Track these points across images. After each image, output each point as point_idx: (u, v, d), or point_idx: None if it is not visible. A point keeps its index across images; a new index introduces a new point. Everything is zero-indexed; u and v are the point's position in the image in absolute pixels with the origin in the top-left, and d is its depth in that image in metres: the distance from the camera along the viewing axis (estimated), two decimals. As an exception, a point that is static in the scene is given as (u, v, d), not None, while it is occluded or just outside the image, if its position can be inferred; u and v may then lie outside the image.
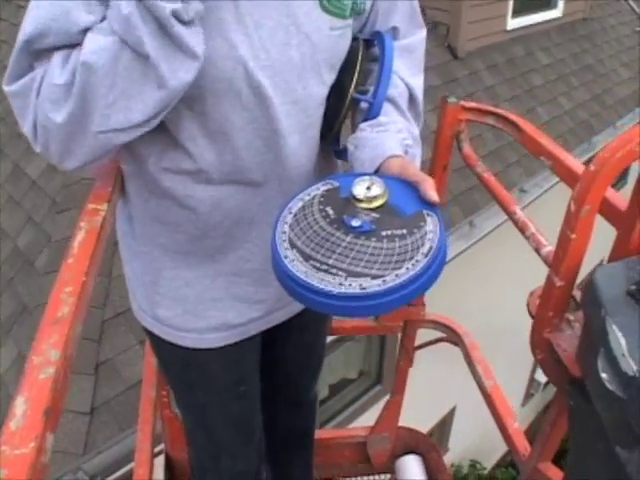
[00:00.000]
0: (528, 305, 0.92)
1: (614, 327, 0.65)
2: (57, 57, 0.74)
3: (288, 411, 1.48)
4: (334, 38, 0.91)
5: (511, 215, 1.07)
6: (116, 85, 0.72)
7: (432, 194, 0.78)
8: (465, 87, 4.50)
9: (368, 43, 0.98)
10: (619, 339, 0.64)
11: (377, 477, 1.99)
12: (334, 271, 0.70)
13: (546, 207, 3.74)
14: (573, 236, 0.75)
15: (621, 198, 0.79)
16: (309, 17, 0.87)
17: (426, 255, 0.71)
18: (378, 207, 0.77)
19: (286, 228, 0.77)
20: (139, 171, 0.96)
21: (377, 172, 0.86)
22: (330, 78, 0.93)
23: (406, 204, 0.78)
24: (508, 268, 5.04)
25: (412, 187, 0.80)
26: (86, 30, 0.73)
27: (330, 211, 0.78)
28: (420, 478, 1.86)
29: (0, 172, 3.14)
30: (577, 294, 0.84)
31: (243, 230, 0.99)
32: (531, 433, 1.34)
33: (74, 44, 0.74)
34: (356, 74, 0.94)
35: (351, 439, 1.95)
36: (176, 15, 0.69)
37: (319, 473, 1.89)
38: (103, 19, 0.73)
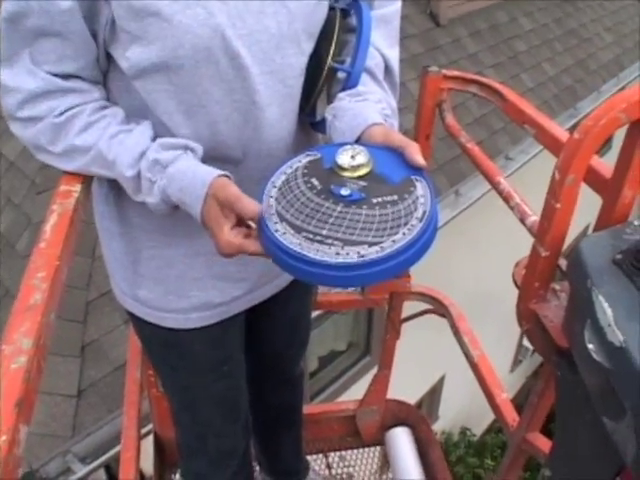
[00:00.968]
0: (514, 276, 0.91)
1: (600, 298, 0.64)
2: (78, 124, 0.87)
3: (275, 387, 1.48)
4: (311, 6, 0.89)
5: (495, 186, 1.05)
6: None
7: (418, 158, 0.77)
8: (448, 54, 4.45)
9: (344, 13, 0.96)
10: (605, 309, 0.63)
11: (367, 449, 2.00)
12: (329, 241, 0.70)
13: (533, 172, 3.73)
14: (558, 205, 0.74)
15: (606, 166, 0.78)
16: None
17: (420, 220, 0.71)
18: (364, 175, 0.76)
19: (272, 202, 0.76)
20: None
21: (358, 141, 0.84)
22: (309, 47, 0.91)
23: (392, 171, 0.77)
24: (495, 236, 5.06)
25: (397, 154, 0.79)
26: (70, 12, 0.79)
27: (315, 182, 0.77)
28: (410, 449, 1.87)
29: (-23, 153, 3.08)
30: (563, 263, 0.83)
31: None
32: (520, 399, 1.33)
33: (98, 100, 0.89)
34: (333, 43, 0.91)
35: (340, 413, 1.96)
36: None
37: (309, 448, 1.90)
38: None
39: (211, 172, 0.82)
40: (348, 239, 0.70)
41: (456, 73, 1.23)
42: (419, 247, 0.70)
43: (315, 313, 1.43)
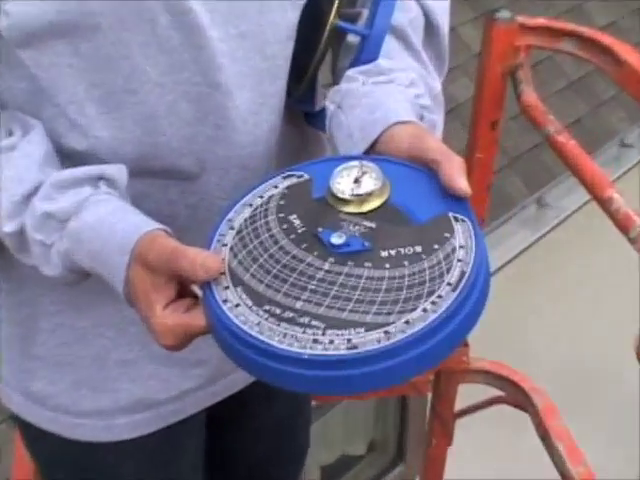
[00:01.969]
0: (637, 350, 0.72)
1: None
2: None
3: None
4: None
5: (605, 203, 0.80)
6: None
7: (461, 183, 0.54)
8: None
9: None
10: None
11: None
12: (305, 320, 0.51)
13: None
14: None
15: None
16: None
17: (455, 287, 0.51)
18: (373, 211, 0.56)
19: (225, 253, 0.57)
20: None
21: (372, 151, 0.61)
22: None
23: (419, 204, 0.56)
24: (601, 275, 2.85)
25: (429, 176, 0.58)
26: None
27: (296, 222, 0.57)
28: None
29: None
30: None
31: None
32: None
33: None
34: None
35: None
36: None
37: None
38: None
39: (137, 225, 0.60)
40: (335, 318, 0.51)
41: (540, 22, 0.95)
42: (449, 333, 0.50)
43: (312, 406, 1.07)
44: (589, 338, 3.44)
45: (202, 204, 0.70)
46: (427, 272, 0.52)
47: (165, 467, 0.88)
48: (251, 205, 0.58)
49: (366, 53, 0.68)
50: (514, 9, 1.03)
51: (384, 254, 0.54)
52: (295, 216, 0.57)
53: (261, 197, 0.59)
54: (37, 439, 0.86)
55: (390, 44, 0.68)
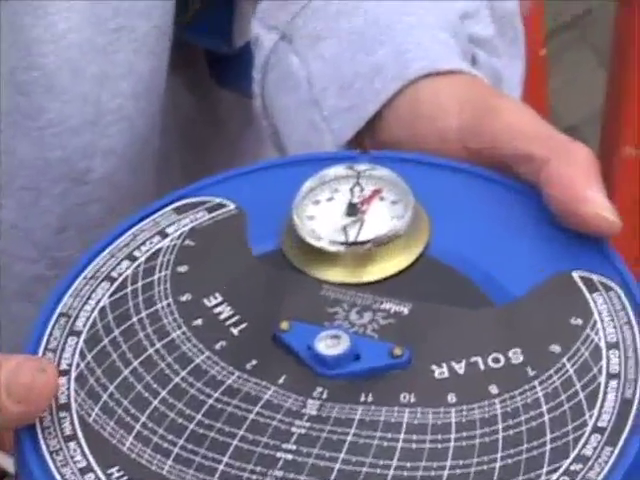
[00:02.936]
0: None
1: None
2: None
3: None
4: None
5: None
6: None
7: (596, 203, 0.25)
8: None
9: None
10: None
11: None
12: None
13: None
14: None
15: None
16: None
17: (612, 434, 0.22)
18: (397, 277, 0.26)
19: (62, 383, 0.25)
20: None
21: (369, 143, 0.32)
22: None
23: (500, 255, 0.27)
24: None
25: (513, 188, 0.28)
26: None
27: (219, 309, 0.26)
28: None
29: None
30: None
31: None
32: None
33: None
34: None
35: None
36: None
37: None
38: None
39: None
40: None
41: None
42: None
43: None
44: None
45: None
46: (545, 410, 0.23)
47: None
48: (110, 278, 0.27)
49: None
50: None
51: (440, 374, 0.25)
52: (218, 295, 0.27)
53: (131, 256, 0.28)
54: None
55: None
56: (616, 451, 0.22)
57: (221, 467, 0.22)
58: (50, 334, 0.25)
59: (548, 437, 0.22)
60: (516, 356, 0.24)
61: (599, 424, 0.22)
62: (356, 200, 0.27)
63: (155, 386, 0.24)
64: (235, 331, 0.25)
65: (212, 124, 0.48)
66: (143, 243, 0.28)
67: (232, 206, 0.28)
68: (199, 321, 0.25)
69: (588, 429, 0.22)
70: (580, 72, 1.38)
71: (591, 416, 0.23)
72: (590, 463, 0.21)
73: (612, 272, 0.26)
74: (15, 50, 0.35)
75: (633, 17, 0.69)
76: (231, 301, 0.26)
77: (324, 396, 0.23)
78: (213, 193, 0.29)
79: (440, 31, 0.32)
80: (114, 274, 0.27)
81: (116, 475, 0.22)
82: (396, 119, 0.30)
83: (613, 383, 0.23)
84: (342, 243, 0.26)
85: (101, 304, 0.26)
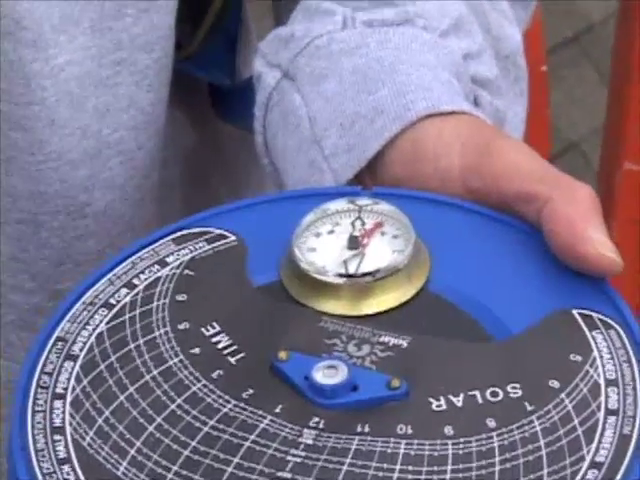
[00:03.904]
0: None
1: None
2: None
3: None
4: None
5: None
6: None
7: (597, 243, 0.25)
8: None
9: None
10: None
11: None
12: None
13: None
14: None
15: None
16: None
17: (607, 473, 0.21)
18: (397, 310, 0.26)
19: (59, 408, 0.24)
20: None
21: (370, 179, 0.31)
22: None
23: (500, 290, 0.26)
24: None
25: (514, 227, 0.28)
26: None
27: (217, 339, 0.26)
28: None
29: None
30: None
31: None
32: None
33: None
34: None
35: None
36: None
37: None
38: None
39: None
40: None
41: None
42: None
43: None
44: None
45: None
46: (543, 444, 0.23)
47: None
48: (108, 304, 0.27)
49: None
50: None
51: (437, 407, 0.25)
52: (216, 325, 0.27)
53: (130, 284, 0.28)
54: None
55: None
56: None
57: None
58: (47, 358, 0.25)
59: (545, 471, 0.22)
60: (515, 390, 0.24)
61: (597, 459, 0.22)
62: (357, 233, 0.27)
63: (151, 412, 0.24)
64: (232, 360, 0.25)
65: (214, 157, 0.48)
66: (142, 271, 0.28)
67: (232, 237, 0.29)
68: (196, 349, 0.25)
69: (585, 464, 0.22)
70: (581, 88, 1.39)
71: (589, 451, 0.22)
72: None
73: (612, 310, 0.26)
74: (15, 85, 0.35)
75: (634, 33, 0.70)
76: (229, 331, 0.25)
77: (321, 426, 0.23)
78: (213, 224, 0.29)
79: (443, 71, 0.32)
80: (112, 301, 0.27)
81: None
82: (397, 159, 0.30)
83: (611, 419, 0.23)
84: (342, 275, 0.26)
85: (99, 330, 0.26)
